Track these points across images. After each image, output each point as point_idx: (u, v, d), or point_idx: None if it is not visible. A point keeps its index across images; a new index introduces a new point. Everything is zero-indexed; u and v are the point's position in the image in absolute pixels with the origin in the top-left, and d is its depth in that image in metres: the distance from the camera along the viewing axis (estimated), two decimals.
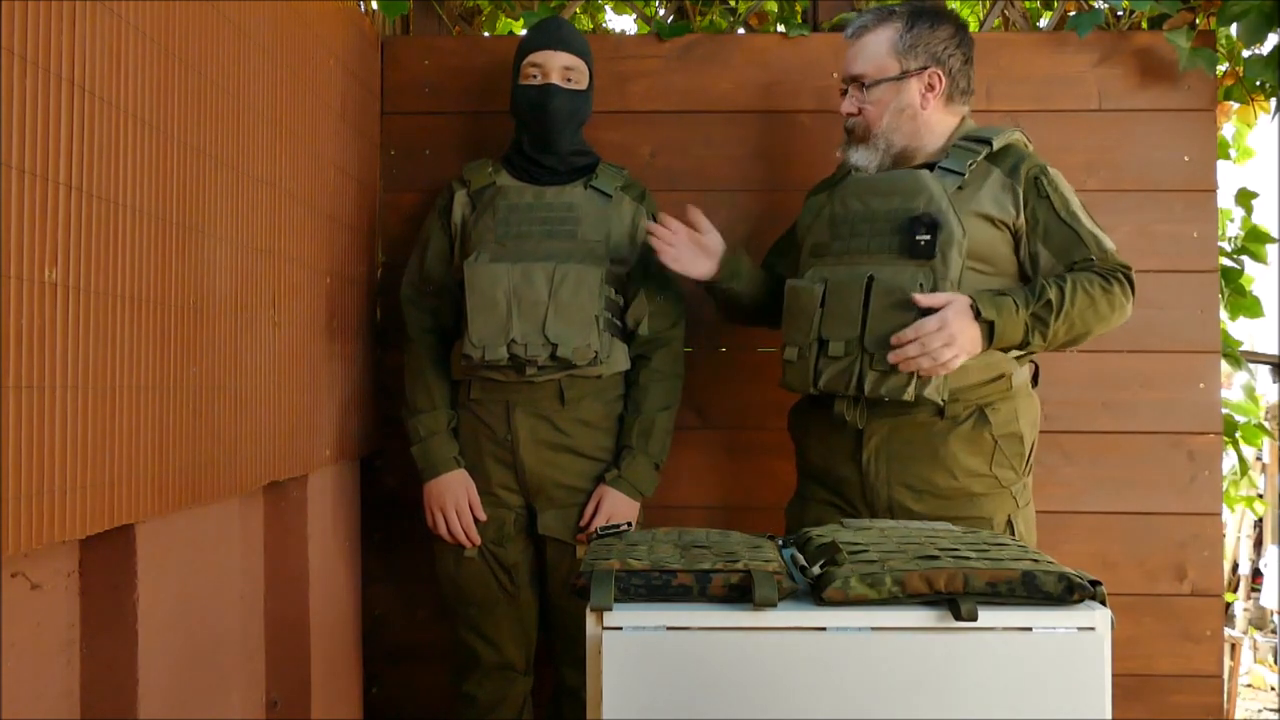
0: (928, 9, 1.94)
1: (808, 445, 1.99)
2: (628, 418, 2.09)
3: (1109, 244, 1.84)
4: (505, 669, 2.12)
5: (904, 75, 1.91)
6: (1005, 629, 1.17)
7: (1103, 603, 1.19)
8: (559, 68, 2.06)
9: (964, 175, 1.86)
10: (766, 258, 2.15)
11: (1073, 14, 2.38)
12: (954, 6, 2.99)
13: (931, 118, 1.92)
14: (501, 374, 2.00)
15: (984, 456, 1.86)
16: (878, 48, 1.93)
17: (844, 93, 1.98)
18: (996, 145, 1.88)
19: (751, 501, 2.27)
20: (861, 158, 1.94)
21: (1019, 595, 1.17)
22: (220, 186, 1.55)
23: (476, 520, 2.05)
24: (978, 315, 1.74)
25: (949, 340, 1.71)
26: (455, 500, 2.04)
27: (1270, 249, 2.51)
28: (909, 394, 1.77)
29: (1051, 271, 1.85)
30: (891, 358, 1.74)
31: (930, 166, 1.89)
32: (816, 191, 2.06)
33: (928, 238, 1.79)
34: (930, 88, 1.91)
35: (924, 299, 1.74)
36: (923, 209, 1.81)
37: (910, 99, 1.92)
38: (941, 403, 1.81)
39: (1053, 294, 1.76)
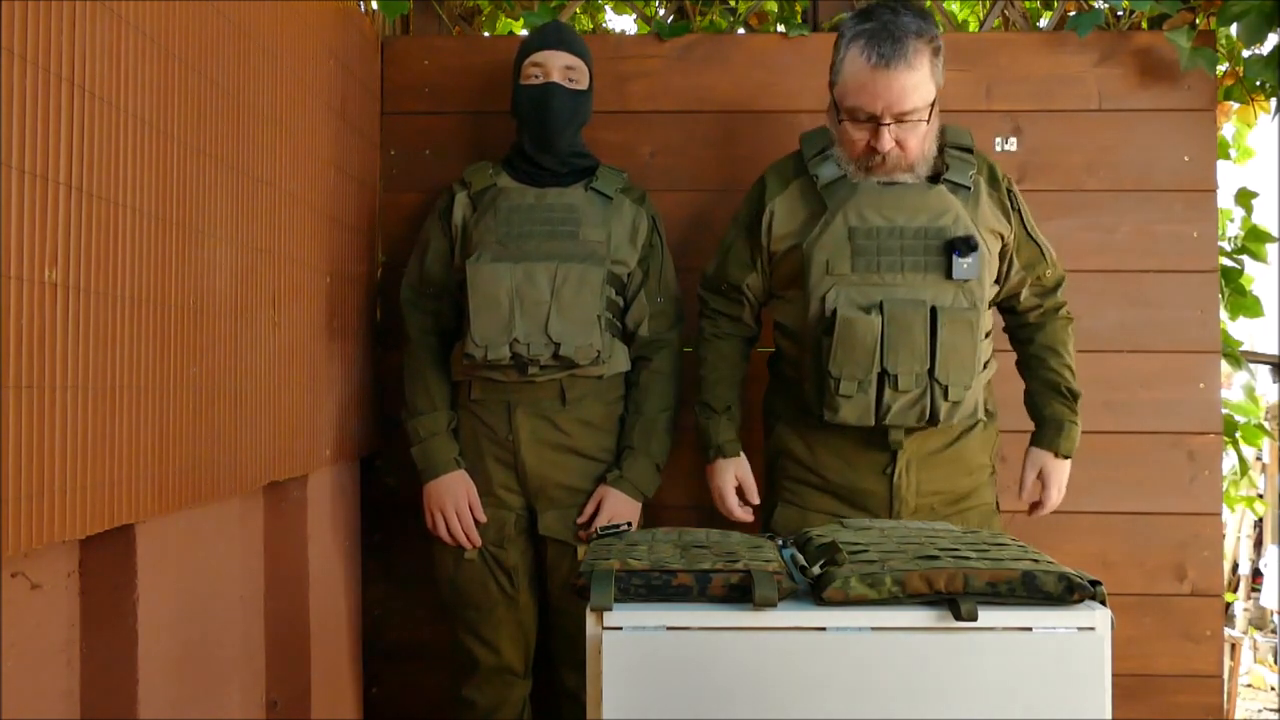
0: (928, 17, 1.80)
1: (820, 462, 1.92)
2: (629, 418, 2.09)
3: (1053, 252, 1.98)
4: (504, 673, 2.12)
5: (935, 100, 1.80)
6: (1005, 629, 1.17)
7: (1103, 603, 1.19)
8: (560, 67, 2.06)
9: (970, 189, 1.83)
10: (730, 272, 1.98)
11: (1073, 14, 2.38)
12: (954, 7, 2.99)
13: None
14: (503, 374, 2.00)
15: (988, 449, 1.96)
16: (923, 76, 1.76)
17: (864, 120, 1.78)
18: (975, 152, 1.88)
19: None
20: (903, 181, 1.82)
21: (1019, 595, 1.17)
22: (220, 186, 1.55)
23: (476, 521, 2.05)
24: (1066, 455, 1.98)
25: (1062, 491, 2.01)
26: (455, 501, 2.04)
27: (1270, 249, 2.50)
28: (975, 416, 1.84)
29: (1020, 284, 1.94)
30: (1033, 516, 2.05)
31: (934, 178, 1.84)
32: (780, 188, 1.90)
33: (970, 260, 1.76)
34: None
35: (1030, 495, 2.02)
36: (952, 227, 1.77)
37: (934, 116, 1.81)
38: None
39: (1076, 385, 1.99)
